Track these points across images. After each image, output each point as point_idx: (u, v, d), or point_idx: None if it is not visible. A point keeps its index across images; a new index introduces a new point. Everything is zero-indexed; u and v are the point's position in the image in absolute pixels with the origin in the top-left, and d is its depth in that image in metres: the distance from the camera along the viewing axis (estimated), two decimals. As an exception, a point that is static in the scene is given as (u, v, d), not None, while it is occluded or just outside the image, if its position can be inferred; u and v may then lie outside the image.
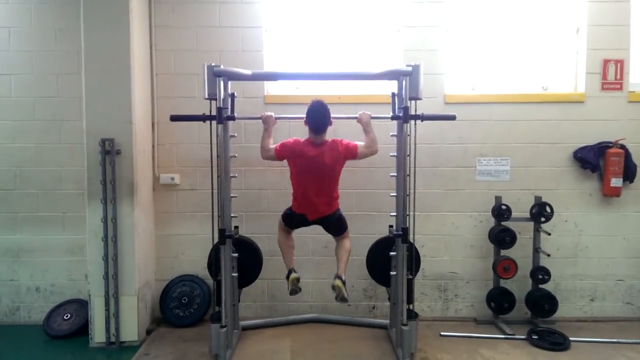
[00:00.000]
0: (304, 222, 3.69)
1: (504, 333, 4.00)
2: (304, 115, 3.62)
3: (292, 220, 3.74)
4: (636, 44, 4.33)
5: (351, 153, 3.57)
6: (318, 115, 3.50)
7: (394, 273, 3.66)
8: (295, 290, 3.57)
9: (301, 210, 3.64)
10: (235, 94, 3.70)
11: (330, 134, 4.25)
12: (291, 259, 3.73)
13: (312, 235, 4.17)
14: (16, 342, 4.02)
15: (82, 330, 4.04)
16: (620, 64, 4.27)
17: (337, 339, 3.92)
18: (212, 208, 3.63)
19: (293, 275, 3.57)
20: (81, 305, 4.22)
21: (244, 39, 4.31)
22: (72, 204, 4.29)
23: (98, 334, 3.85)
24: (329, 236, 3.83)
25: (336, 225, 3.72)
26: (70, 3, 4.14)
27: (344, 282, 3.47)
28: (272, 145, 3.62)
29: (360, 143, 3.61)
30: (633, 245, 4.38)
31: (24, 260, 4.35)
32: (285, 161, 3.66)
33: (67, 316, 4.16)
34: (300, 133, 4.26)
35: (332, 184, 3.61)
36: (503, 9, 4.39)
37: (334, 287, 3.49)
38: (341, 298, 3.45)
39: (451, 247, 4.41)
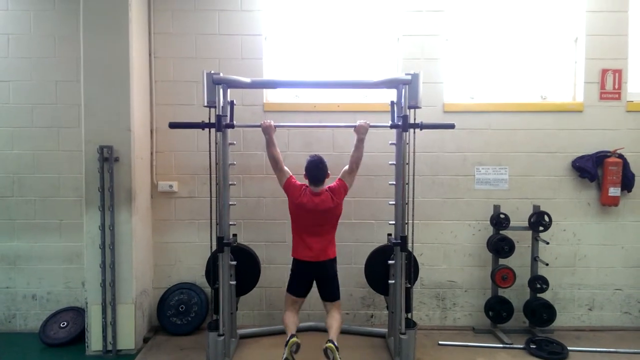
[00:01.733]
0: (306, 272, 3.61)
1: (502, 342, 3.99)
2: (303, 124, 3.76)
3: (295, 278, 3.65)
4: (634, 54, 4.35)
5: (344, 192, 3.60)
6: (316, 170, 3.54)
7: (393, 282, 3.65)
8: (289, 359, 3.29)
9: (302, 256, 3.59)
10: (235, 101, 3.71)
11: (329, 142, 4.29)
12: (294, 328, 3.49)
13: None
14: (12, 350, 3.99)
15: (79, 338, 4.02)
16: (618, 74, 4.29)
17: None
18: (211, 216, 3.62)
19: (293, 339, 3.30)
20: (78, 313, 4.20)
21: (244, 47, 4.31)
22: (70, 211, 4.27)
23: (95, 342, 3.83)
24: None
25: (332, 284, 3.64)
26: (70, 10, 4.15)
27: (337, 347, 3.27)
28: (282, 156, 3.62)
29: (343, 175, 3.60)
30: (631, 254, 4.38)
31: (21, 267, 4.33)
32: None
33: (63, 324, 4.14)
34: (298, 141, 4.31)
35: (330, 228, 3.63)
36: (502, 18, 4.41)
37: (326, 352, 3.26)
38: None
39: (450, 256, 4.40)
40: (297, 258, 3.63)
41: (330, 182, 3.63)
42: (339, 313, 3.62)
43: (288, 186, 3.59)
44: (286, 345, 3.29)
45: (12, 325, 4.36)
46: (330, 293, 3.65)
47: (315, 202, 3.51)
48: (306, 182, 3.60)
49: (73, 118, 4.22)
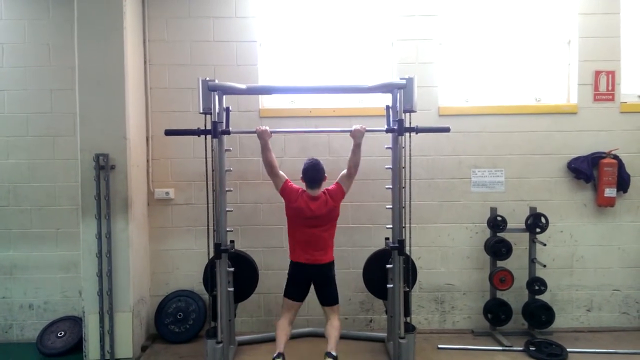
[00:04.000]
0: (304, 275, 3.60)
1: (502, 345, 3.99)
2: (299, 130, 3.85)
3: (293, 281, 3.63)
4: (627, 55, 4.38)
5: (341, 196, 3.60)
6: (313, 172, 3.56)
7: (391, 286, 3.64)
8: None
9: (299, 258, 3.58)
10: (230, 108, 3.70)
11: (325, 147, 4.30)
12: (283, 343, 3.46)
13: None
14: (9, 360, 3.97)
15: (76, 347, 4.00)
16: (611, 75, 4.32)
17: None
18: (208, 222, 3.61)
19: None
20: (75, 323, 4.18)
21: (239, 53, 4.32)
22: (66, 219, 4.26)
23: (92, 352, 3.80)
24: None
25: (330, 287, 3.63)
26: (65, 19, 4.15)
27: (336, 358, 3.29)
28: (277, 162, 3.62)
29: (341, 179, 3.61)
30: (628, 255, 4.40)
31: (17, 277, 4.31)
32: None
33: (60, 334, 4.12)
34: (295, 146, 4.31)
35: (332, 228, 3.63)
36: (495, 21, 4.44)
37: None
38: None
39: (447, 259, 4.40)
40: (294, 261, 3.63)
41: (328, 186, 3.63)
42: (338, 320, 3.61)
43: (284, 190, 3.59)
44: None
45: (9, 336, 4.33)
46: (329, 297, 3.63)
47: (311, 206, 3.51)
48: (303, 185, 3.60)
49: (68, 126, 4.21)
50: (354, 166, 3.59)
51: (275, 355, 3.34)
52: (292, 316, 3.62)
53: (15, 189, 4.27)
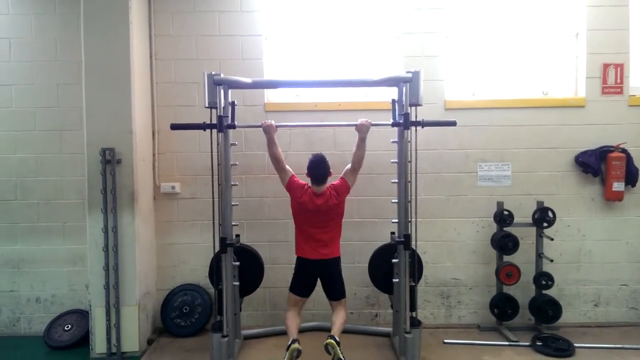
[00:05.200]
0: (310, 271, 3.60)
1: (508, 340, 3.97)
2: (305, 124, 3.85)
3: (298, 276, 3.63)
4: (635, 48, 4.33)
5: (346, 191, 3.59)
6: (318, 169, 3.53)
7: (397, 280, 3.64)
8: None
9: (306, 254, 3.58)
10: (236, 102, 3.70)
11: (330, 141, 4.29)
12: (296, 330, 3.49)
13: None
14: (16, 353, 4.00)
15: (83, 341, 4.02)
16: (620, 68, 4.27)
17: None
18: (213, 216, 3.62)
19: (294, 345, 3.27)
20: (82, 316, 4.20)
21: (244, 47, 4.32)
22: (73, 213, 4.28)
23: (99, 345, 3.83)
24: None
25: (337, 280, 3.64)
26: (71, 14, 4.17)
27: (338, 342, 3.29)
28: (283, 156, 3.61)
29: (346, 174, 3.60)
30: (636, 249, 4.36)
31: (25, 270, 4.34)
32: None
33: (67, 327, 4.14)
34: (300, 141, 4.30)
35: (334, 227, 3.61)
36: (502, 14, 4.40)
37: (327, 347, 3.29)
38: (337, 359, 3.25)
39: (454, 254, 4.39)
40: (301, 257, 3.63)
41: (332, 181, 3.62)
42: (344, 310, 3.63)
43: (290, 185, 3.58)
44: (287, 349, 3.28)
45: (17, 329, 4.37)
46: (336, 292, 3.64)
47: (317, 202, 3.50)
48: (308, 180, 3.59)
49: (75, 121, 4.23)
50: (358, 161, 3.57)
51: (290, 342, 3.34)
52: (298, 309, 3.65)
53: (22, 183, 4.30)
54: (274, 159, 3.59)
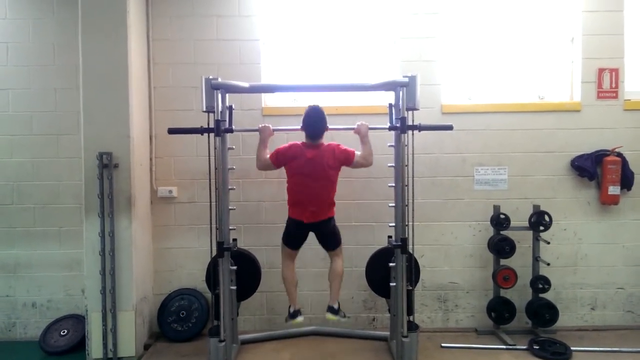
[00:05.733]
0: (301, 230, 3.63)
1: (505, 343, 3.97)
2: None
3: (290, 234, 3.67)
4: (630, 53, 4.37)
5: (348, 159, 3.57)
6: (314, 120, 3.53)
7: (394, 284, 3.64)
8: None
9: (297, 215, 3.58)
10: (233, 106, 3.71)
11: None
12: (295, 297, 3.62)
13: (311, 247, 4.14)
14: (12, 358, 3.99)
15: (79, 346, 4.00)
16: (615, 73, 4.30)
17: (337, 352, 3.88)
18: (210, 221, 3.62)
19: (298, 319, 3.47)
20: (78, 321, 4.18)
21: (242, 52, 4.33)
22: (70, 218, 4.27)
23: (95, 350, 3.81)
24: (328, 247, 3.80)
25: (330, 236, 3.68)
26: (69, 18, 4.17)
27: (337, 311, 3.42)
28: (267, 155, 3.63)
29: (357, 152, 3.62)
30: (632, 253, 4.37)
31: (21, 275, 4.32)
32: (283, 172, 3.65)
33: (64, 332, 4.12)
34: (298, 144, 4.27)
35: (328, 186, 3.57)
36: (498, 19, 4.43)
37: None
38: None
39: (451, 257, 4.39)
40: (292, 217, 3.62)
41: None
42: (341, 260, 3.72)
43: (277, 155, 3.56)
44: (291, 317, 3.51)
45: (12, 334, 4.34)
46: (330, 244, 3.69)
47: (308, 155, 3.48)
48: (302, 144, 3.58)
49: (72, 125, 4.23)
50: (368, 155, 3.59)
51: (292, 311, 3.48)
52: (293, 263, 3.72)
53: (19, 187, 4.29)
54: (258, 159, 3.62)
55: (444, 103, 4.34)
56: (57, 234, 4.31)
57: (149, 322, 4.23)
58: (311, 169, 3.49)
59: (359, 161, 3.60)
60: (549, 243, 4.13)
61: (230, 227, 3.63)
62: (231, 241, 3.67)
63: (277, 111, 4.37)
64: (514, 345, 3.93)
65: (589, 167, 4.23)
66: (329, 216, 3.63)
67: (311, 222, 3.57)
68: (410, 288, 3.63)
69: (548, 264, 4.11)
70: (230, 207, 3.66)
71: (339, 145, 3.60)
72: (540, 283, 4.11)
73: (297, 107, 4.33)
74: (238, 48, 4.33)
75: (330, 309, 3.47)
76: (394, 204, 3.64)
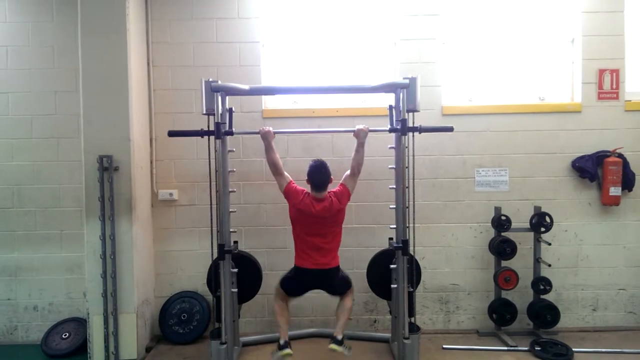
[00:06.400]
0: (307, 279, 3.56)
1: (507, 345, 3.97)
2: (302, 130, 3.86)
3: (292, 280, 3.60)
4: (631, 53, 4.36)
5: (347, 197, 3.56)
6: (318, 175, 3.50)
7: (395, 286, 3.64)
8: None
9: (303, 264, 3.52)
10: (233, 108, 3.71)
11: (328, 147, 4.29)
12: (286, 330, 3.51)
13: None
14: (14, 362, 3.98)
15: (81, 349, 4.00)
16: (615, 74, 4.30)
17: (338, 354, 3.87)
18: (211, 223, 3.62)
19: (286, 351, 3.34)
20: (80, 324, 4.18)
21: (241, 54, 4.33)
22: (70, 221, 4.27)
23: (97, 353, 3.81)
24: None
25: (339, 285, 3.63)
26: (68, 21, 4.16)
27: (340, 342, 3.36)
28: (281, 162, 3.58)
29: (346, 180, 3.58)
30: (634, 254, 4.37)
31: (22, 278, 4.32)
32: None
33: (65, 335, 4.13)
34: (298, 147, 4.31)
35: (333, 235, 3.56)
36: (498, 20, 4.43)
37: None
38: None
39: (452, 259, 4.39)
40: (299, 266, 3.57)
41: (332, 188, 3.60)
42: (351, 299, 3.67)
43: (289, 191, 3.55)
44: (279, 349, 3.36)
45: (14, 337, 4.34)
46: (338, 290, 3.65)
47: (317, 208, 3.46)
48: (308, 188, 3.57)
49: (72, 128, 4.23)
50: (357, 165, 3.57)
51: (282, 343, 3.39)
52: (287, 303, 3.67)
53: (19, 190, 4.29)
54: (272, 165, 3.58)
55: (444, 104, 4.34)
56: (58, 237, 4.31)
57: (150, 325, 4.22)
58: (321, 222, 3.48)
59: (353, 184, 3.58)
60: (550, 244, 4.13)
61: (231, 230, 3.63)
62: (232, 243, 3.66)
63: (278, 113, 4.36)
64: (516, 346, 3.93)
65: (590, 168, 4.23)
66: (336, 265, 3.58)
67: (319, 269, 3.50)
68: (412, 290, 3.63)
69: (549, 265, 4.11)
70: (230, 210, 3.66)
71: (332, 190, 3.55)
72: (541, 284, 4.10)
73: (298, 109, 4.36)
74: (238, 50, 4.33)
75: (335, 340, 3.38)
76: (394, 206, 3.64)
